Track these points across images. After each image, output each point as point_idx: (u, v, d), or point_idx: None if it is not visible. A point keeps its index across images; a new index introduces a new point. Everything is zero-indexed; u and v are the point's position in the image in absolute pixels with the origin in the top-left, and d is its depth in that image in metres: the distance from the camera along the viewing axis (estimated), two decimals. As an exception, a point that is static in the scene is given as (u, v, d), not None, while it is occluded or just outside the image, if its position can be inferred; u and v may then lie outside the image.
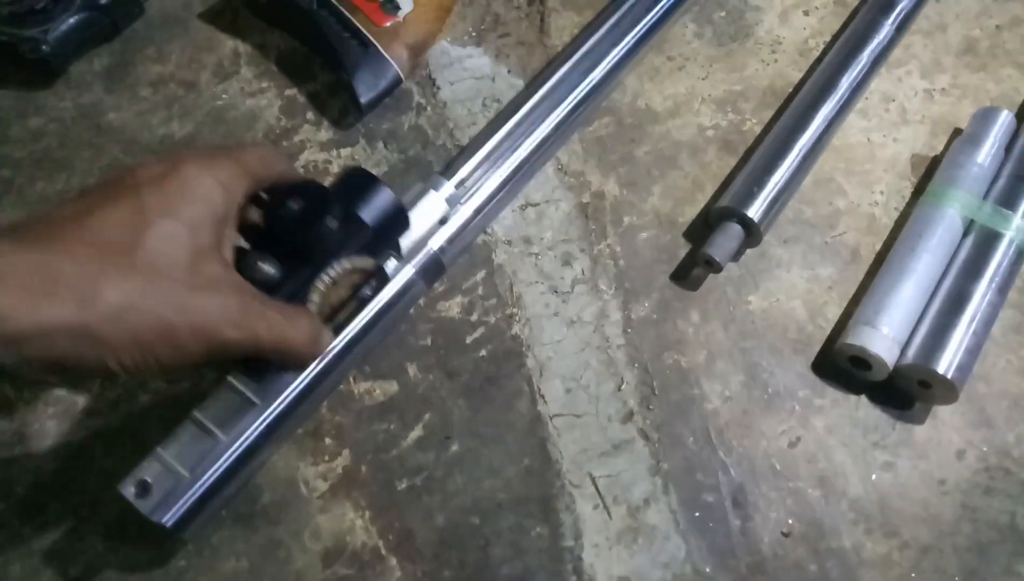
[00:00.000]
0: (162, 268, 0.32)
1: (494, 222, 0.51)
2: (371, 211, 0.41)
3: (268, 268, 0.37)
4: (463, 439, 0.45)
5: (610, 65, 0.54)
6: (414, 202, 0.45)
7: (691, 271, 0.50)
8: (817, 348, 0.48)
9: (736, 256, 0.50)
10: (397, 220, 0.42)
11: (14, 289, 0.29)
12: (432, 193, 0.46)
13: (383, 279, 0.43)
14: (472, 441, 0.45)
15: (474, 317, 0.48)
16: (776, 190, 0.49)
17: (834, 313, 0.49)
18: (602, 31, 0.54)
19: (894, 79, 0.58)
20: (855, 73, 0.53)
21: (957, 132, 0.55)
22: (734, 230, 0.48)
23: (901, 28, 0.56)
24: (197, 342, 0.33)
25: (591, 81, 0.53)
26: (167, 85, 0.55)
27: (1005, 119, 0.52)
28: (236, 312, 0.34)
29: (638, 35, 0.56)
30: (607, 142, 0.54)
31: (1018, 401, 0.47)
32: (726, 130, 0.55)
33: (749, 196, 0.48)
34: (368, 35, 0.53)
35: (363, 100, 0.52)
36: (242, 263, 0.37)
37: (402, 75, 0.53)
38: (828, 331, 0.49)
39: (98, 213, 0.32)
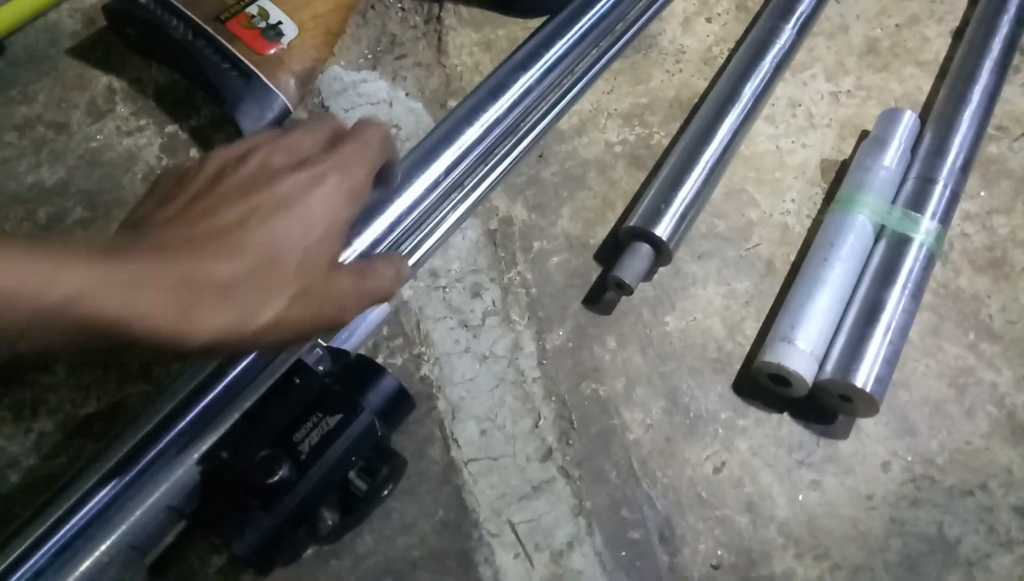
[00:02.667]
0: (308, 281, 0.32)
1: (397, 256, 0.48)
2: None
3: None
4: (372, 494, 0.42)
5: (544, 111, 0.53)
6: None
7: (603, 295, 0.48)
8: (737, 366, 0.47)
9: (648, 276, 0.48)
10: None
11: (200, 303, 0.29)
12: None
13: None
14: (382, 495, 0.42)
15: (379, 360, 0.45)
16: (684, 206, 0.47)
17: (752, 328, 0.48)
18: (526, 75, 0.52)
19: (799, 83, 0.57)
20: (758, 80, 0.52)
21: (864, 134, 0.55)
22: (643, 251, 0.46)
23: (802, 31, 0.56)
24: (317, 335, 0.38)
25: (520, 130, 0.51)
26: (34, 128, 0.51)
27: (909, 120, 0.52)
28: (353, 304, 0.35)
29: (574, 69, 0.55)
30: (513, 165, 0.52)
31: (939, 406, 0.46)
32: (634, 145, 0.54)
33: (657, 214, 0.46)
34: (250, 65, 0.49)
35: (247, 133, 0.49)
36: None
37: (290, 105, 0.50)
38: (747, 348, 0.47)
39: (256, 226, 0.31)
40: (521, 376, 0.46)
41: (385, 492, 0.40)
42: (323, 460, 0.37)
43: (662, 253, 0.47)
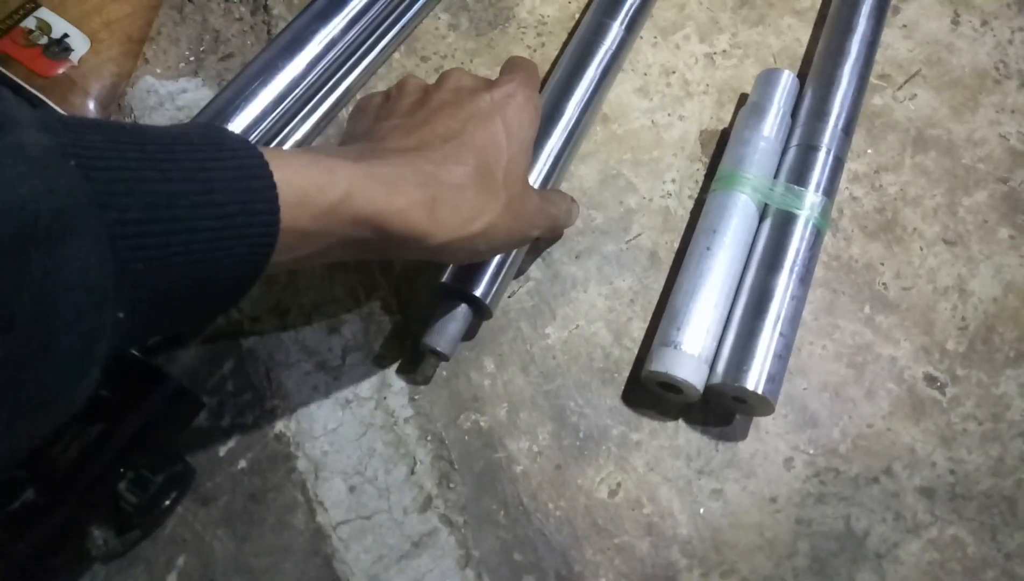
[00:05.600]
0: (511, 191, 0.34)
1: (237, 297, 0.42)
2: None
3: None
4: (230, 579, 0.37)
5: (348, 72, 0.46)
6: None
7: (420, 364, 0.42)
8: (626, 373, 0.43)
9: (469, 334, 0.42)
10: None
11: (441, 202, 0.30)
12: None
13: None
14: (241, 579, 0.37)
15: (226, 421, 0.40)
16: (501, 258, 0.41)
17: (639, 329, 0.44)
18: (335, 33, 0.46)
19: (672, 47, 0.52)
20: (582, 94, 0.46)
21: (744, 98, 0.51)
22: (459, 312, 0.40)
23: (632, 27, 0.49)
24: (506, 250, 0.39)
25: (323, 99, 0.45)
26: None
27: (787, 81, 0.48)
28: (540, 223, 0.37)
29: (383, 34, 0.48)
30: (364, 172, 0.46)
31: (838, 391, 0.44)
32: (498, 136, 0.48)
33: (472, 268, 0.40)
34: (32, 90, 0.42)
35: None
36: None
37: (90, 133, 0.43)
38: (636, 351, 0.44)
39: (472, 133, 0.33)
40: (391, 418, 0.41)
41: (167, 502, 0.36)
42: (82, 476, 0.32)
43: (483, 310, 0.41)
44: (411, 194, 0.30)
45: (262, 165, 0.25)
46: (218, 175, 0.24)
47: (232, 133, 0.27)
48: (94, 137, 0.22)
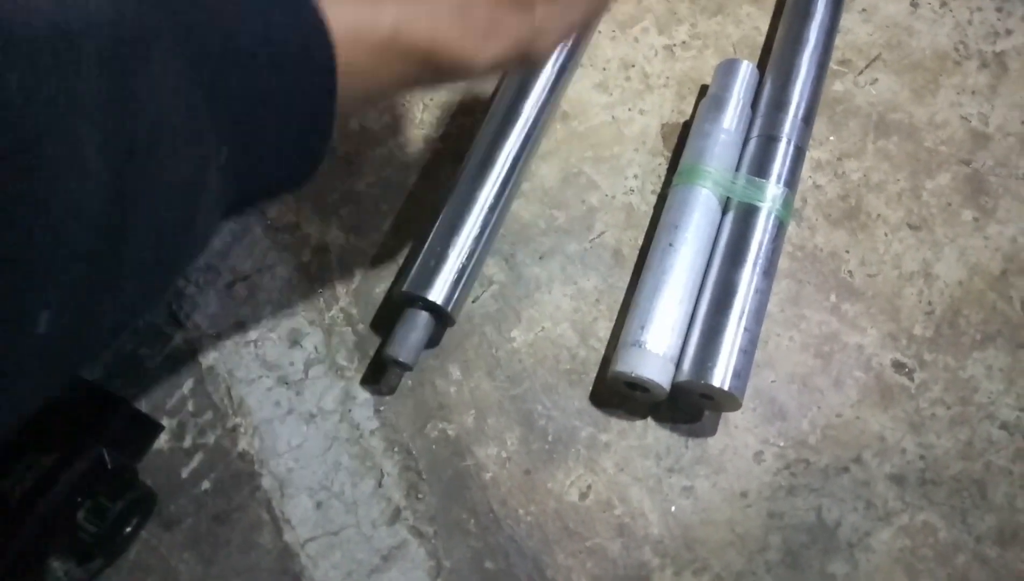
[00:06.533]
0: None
1: (194, 312, 0.42)
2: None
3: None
4: (198, 603, 0.37)
5: None
6: None
7: (384, 374, 0.42)
8: (594, 374, 0.43)
9: (432, 342, 0.42)
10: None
11: (474, 29, 0.30)
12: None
13: None
14: (209, 602, 0.37)
15: (187, 442, 0.39)
16: (463, 259, 0.40)
17: (605, 328, 0.44)
18: None
19: (630, 40, 0.52)
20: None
21: (704, 89, 0.50)
22: (420, 320, 0.39)
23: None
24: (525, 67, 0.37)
25: None
26: None
27: (746, 72, 0.47)
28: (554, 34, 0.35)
29: None
30: (321, 180, 0.46)
31: (806, 382, 0.43)
32: (458, 138, 0.48)
33: (432, 275, 0.39)
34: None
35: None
36: None
37: None
38: (602, 351, 0.43)
39: None
40: (356, 431, 0.41)
41: (128, 529, 0.36)
42: (38, 507, 0.32)
43: (445, 317, 0.40)
44: (451, 25, 0.30)
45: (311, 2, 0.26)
46: (275, 19, 0.25)
47: None
48: None
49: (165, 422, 0.39)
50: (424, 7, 0.29)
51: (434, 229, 0.41)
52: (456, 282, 0.40)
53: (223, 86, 0.23)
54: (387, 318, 0.42)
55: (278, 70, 0.25)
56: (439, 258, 0.40)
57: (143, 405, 0.39)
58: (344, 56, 0.26)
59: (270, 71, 0.24)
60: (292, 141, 0.27)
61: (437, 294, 0.39)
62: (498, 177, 0.43)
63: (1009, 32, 0.53)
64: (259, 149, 0.26)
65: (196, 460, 0.39)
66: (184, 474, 0.39)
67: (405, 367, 0.39)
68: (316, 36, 0.25)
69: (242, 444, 0.40)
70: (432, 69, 0.30)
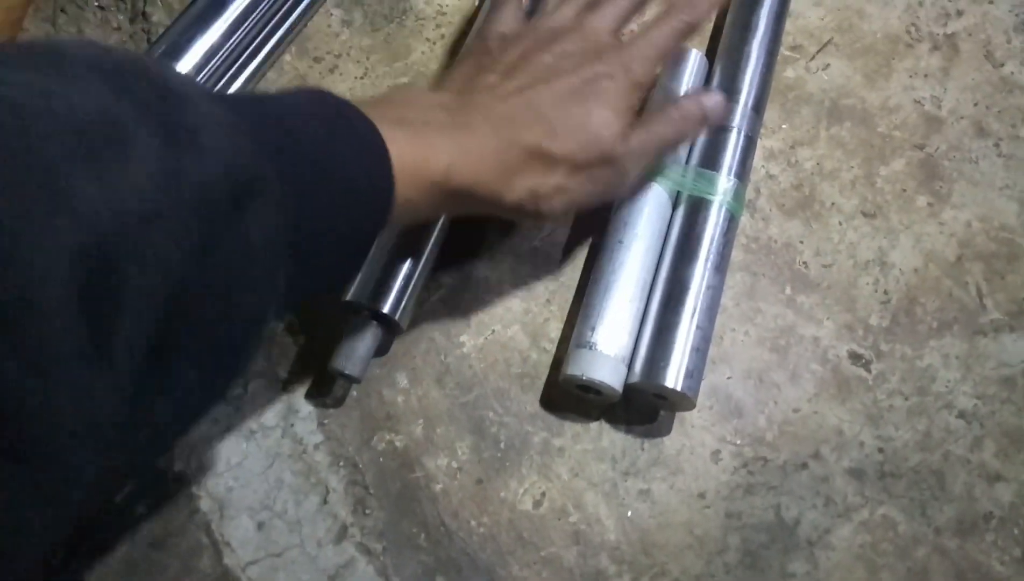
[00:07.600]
0: (590, 156, 0.36)
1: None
2: None
3: None
4: (134, 634, 0.35)
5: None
6: None
7: (332, 387, 0.41)
8: (545, 376, 0.42)
9: (381, 350, 0.40)
10: None
11: (513, 169, 0.34)
12: None
13: None
14: (146, 633, 0.35)
15: (120, 466, 0.37)
16: (410, 270, 0.39)
17: (556, 329, 0.43)
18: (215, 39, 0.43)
19: (578, 31, 0.50)
20: None
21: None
22: (368, 331, 0.38)
23: None
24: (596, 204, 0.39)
25: None
26: None
27: (695, 61, 0.46)
28: (635, 161, 0.39)
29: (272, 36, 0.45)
30: (258, 185, 0.44)
31: (763, 377, 0.43)
32: (399, 137, 0.46)
33: (379, 285, 0.38)
34: None
35: None
36: None
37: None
38: (553, 353, 0.42)
39: (566, 108, 0.35)
40: (299, 446, 0.39)
41: (54, 562, 0.35)
42: None
43: (393, 326, 0.39)
44: (490, 165, 0.33)
45: (379, 141, 0.29)
46: (345, 149, 0.28)
47: (345, 102, 0.29)
48: (248, 108, 0.25)
49: (96, 445, 0.37)
50: (473, 145, 0.32)
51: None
52: (403, 289, 0.38)
53: (306, 230, 0.26)
54: (332, 328, 0.41)
55: (348, 210, 0.28)
56: (385, 265, 0.38)
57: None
58: (400, 193, 0.29)
59: (344, 211, 0.27)
60: (338, 266, 0.30)
61: (384, 304, 0.38)
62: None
63: (960, 13, 0.52)
64: (313, 274, 0.28)
65: (129, 484, 0.37)
66: (116, 499, 0.37)
67: (353, 380, 0.38)
68: (383, 180, 0.28)
69: (178, 465, 0.38)
70: (467, 203, 0.33)
